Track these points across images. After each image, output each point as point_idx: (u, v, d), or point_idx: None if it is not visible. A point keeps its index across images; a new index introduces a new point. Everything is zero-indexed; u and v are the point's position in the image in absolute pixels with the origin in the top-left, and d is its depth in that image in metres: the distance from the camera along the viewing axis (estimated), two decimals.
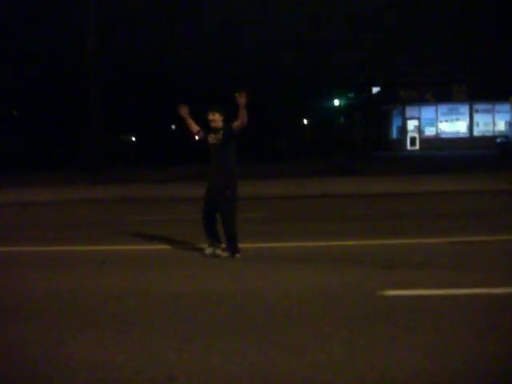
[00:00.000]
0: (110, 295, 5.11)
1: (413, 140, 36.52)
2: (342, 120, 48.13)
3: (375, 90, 43.17)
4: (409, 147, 36.43)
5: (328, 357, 3.46)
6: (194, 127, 6.67)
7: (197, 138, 6.70)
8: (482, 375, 3.17)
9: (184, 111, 6.59)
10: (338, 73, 41.31)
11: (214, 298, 4.89)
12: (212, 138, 6.37)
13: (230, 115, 6.37)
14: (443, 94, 36.18)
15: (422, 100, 36.63)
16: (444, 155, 29.72)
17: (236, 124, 6.16)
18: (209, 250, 6.49)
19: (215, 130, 6.34)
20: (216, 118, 6.31)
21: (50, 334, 4.08)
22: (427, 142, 35.93)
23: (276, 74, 36.08)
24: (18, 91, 34.30)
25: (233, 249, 6.30)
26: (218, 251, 6.43)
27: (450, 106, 36.21)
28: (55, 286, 5.56)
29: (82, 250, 7.56)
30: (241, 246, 6.36)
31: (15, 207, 13.75)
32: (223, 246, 6.41)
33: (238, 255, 6.29)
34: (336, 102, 44.79)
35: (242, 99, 5.95)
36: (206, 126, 6.53)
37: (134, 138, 52.78)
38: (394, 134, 38.86)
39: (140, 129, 46.24)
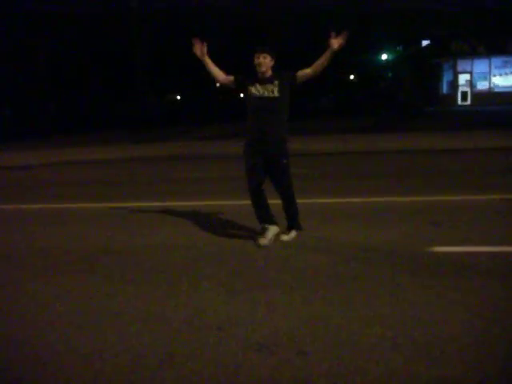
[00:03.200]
0: (160, 248, 5.23)
1: (464, 95, 35.22)
2: (390, 75, 46.77)
3: (425, 43, 41.56)
4: (460, 102, 35.20)
5: (375, 311, 3.46)
6: (218, 73, 5.14)
7: (228, 85, 5.18)
8: None
9: (199, 50, 5.04)
10: (386, 25, 39.89)
11: (262, 251, 4.93)
12: (257, 90, 4.92)
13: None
14: (497, 47, 34.50)
15: (474, 53, 35.07)
16: (497, 110, 28.58)
17: (306, 72, 4.89)
18: (264, 240, 5.10)
19: (262, 79, 4.94)
20: (267, 63, 4.90)
21: (100, 287, 4.23)
22: (479, 97, 34.59)
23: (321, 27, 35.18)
24: (62, 51, 34.72)
25: (297, 227, 5.33)
26: (285, 237, 5.27)
27: (505, 58, 34.55)
28: (106, 242, 5.72)
29: (134, 207, 7.74)
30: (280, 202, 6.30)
31: (61, 166, 14.16)
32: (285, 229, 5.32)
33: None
34: (384, 56, 43.47)
35: (341, 40, 4.68)
36: (244, 74, 5.17)
37: (178, 97, 53.05)
38: (445, 88, 37.56)
39: (184, 87, 46.34)
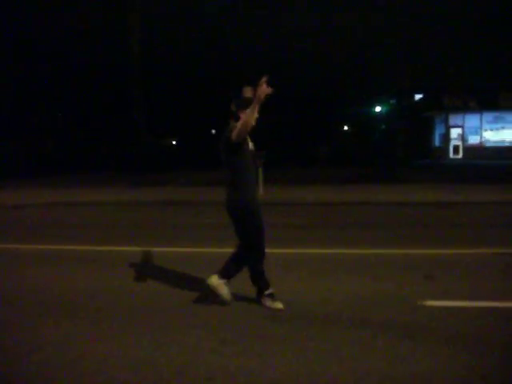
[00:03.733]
0: (151, 294, 5.19)
1: (456, 148, 35.74)
2: (384, 127, 47.57)
3: (418, 96, 42.49)
4: (451, 155, 35.69)
5: (368, 365, 3.43)
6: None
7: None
8: None
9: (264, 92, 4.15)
10: (379, 79, 40.88)
11: (252, 302, 4.90)
12: (248, 143, 4.64)
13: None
14: (489, 102, 35.29)
15: (466, 107, 35.83)
16: (488, 164, 28.98)
17: (236, 130, 4.34)
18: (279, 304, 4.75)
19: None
20: None
21: (86, 331, 4.17)
22: (471, 151, 35.12)
23: (318, 79, 35.96)
24: (62, 92, 35.16)
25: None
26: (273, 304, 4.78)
27: (496, 113, 35.29)
28: (96, 286, 5.68)
29: (124, 250, 7.71)
30: (281, 251, 6.31)
31: (58, 206, 14.13)
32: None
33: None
34: (377, 109, 44.32)
35: (263, 90, 4.09)
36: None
37: (174, 142, 53.51)
38: (437, 141, 38.15)
39: (181, 133, 46.83)
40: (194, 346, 3.80)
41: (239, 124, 4.27)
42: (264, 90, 4.08)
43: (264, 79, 4.09)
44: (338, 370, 3.36)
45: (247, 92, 4.52)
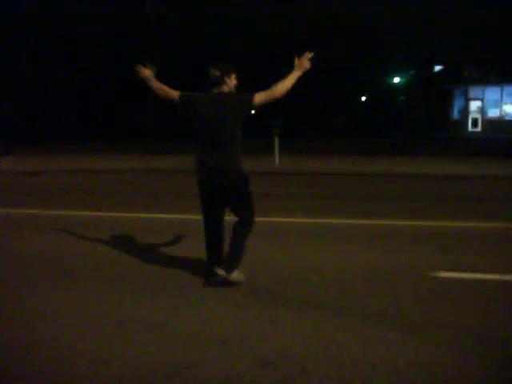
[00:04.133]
0: (169, 260, 5.29)
1: (475, 121, 35.24)
2: (402, 98, 46.94)
3: (437, 68, 41.75)
4: (470, 129, 35.23)
5: (378, 334, 3.49)
6: (167, 91, 4.45)
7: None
8: None
9: (144, 73, 4.45)
10: (399, 49, 40.11)
11: (270, 269, 4.98)
12: None
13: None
14: (509, 75, 34.56)
15: (486, 80, 35.16)
16: (507, 138, 28.57)
17: (265, 95, 4.25)
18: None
19: None
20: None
21: (104, 295, 4.29)
22: (490, 124, 34.59)
23: (335, 49, 35.32)
24: (80, 58, 35.03)
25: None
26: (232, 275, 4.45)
27: None
28: (115, 251, 5.80)
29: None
30: (298, 220, 6.31)
31: (83, 174, 14.30)
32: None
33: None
34: (396, 79, 43.66)
35: (305, 62, 4.25)
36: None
37: None
38: (456, 114, 37.62)
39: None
40: (209, 310, 3.90)
41: (275, 90, 4.19)
42: (307, 62, 4.24)
43: (309, 54, 4.25)
44: (348, 338, 3.43)
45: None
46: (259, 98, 4.20)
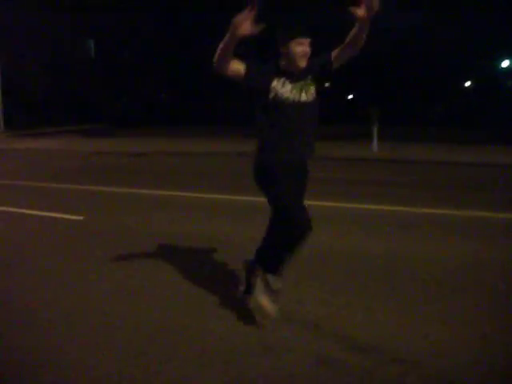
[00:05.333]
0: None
1: None
2: (511, 83, 44.12)
3: None
4: None
5: (475, 330, 3.41)
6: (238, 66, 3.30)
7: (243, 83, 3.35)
8: None
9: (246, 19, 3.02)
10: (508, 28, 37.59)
11: (361, 257, 4.99)
12: (290, 90, 3.34)
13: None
14: None
15: None
16: None
17: (342, 51, 3.36)
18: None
19: (294, 74, 3.36)
20: (308, 51, 3.35)
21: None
22: None
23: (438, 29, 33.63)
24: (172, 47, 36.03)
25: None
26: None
27: None
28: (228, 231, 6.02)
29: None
30: (390, 208, 6.22)
31: (161, 155, 14.90)
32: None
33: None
34: (505, 63, 41.06)
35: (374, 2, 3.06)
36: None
37: None
38: None
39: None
40: (305, 296, 3.97)
41: (346, 43, 3.29)
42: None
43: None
44: (438, 331, 3.38)
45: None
46: (335, 54, 3.36)
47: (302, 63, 3.30)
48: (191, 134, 22.88)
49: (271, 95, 3.32)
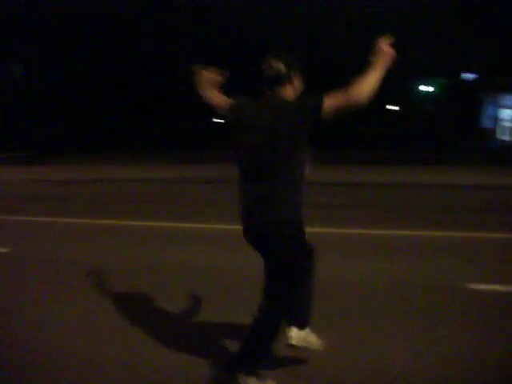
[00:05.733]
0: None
1: (505, 130, 34.69)
2: (431, 107, 46.46)
3: (468, 75, 41.25)
4: (501, 137, 34.68)
5: (409, 346, 3.54)
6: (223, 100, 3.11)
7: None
8: None
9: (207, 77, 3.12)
10: (428, 57, 39.75)
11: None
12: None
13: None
14: None
15: None
16: None
17: (343, 98, 2.70)
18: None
19: None
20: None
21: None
22: None
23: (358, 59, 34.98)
24: (113, 71, 35.43)
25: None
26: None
27: None
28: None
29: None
30: (318, 230, 6.38)
31: (95, 183, 14.60)
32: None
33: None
34: (424, 88, 43.26)
35: (386, 48, 2.73)
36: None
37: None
38: (486, 122, 37.07)
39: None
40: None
41: (351, 92, 2.66)
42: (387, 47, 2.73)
43: (387, 39, 2.74)
44: (377, 351, 3.49)
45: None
46: (329, 102, 2.70)
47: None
48: (116, 160, 22.45)
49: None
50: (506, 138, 34.66)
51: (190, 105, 29.23)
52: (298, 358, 3.29)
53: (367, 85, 2.66)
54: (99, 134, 36.03)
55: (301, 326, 3.15)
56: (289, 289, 2.89)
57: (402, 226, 7.79)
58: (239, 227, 2.92)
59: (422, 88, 42.77)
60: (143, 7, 30.79)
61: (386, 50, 2.71)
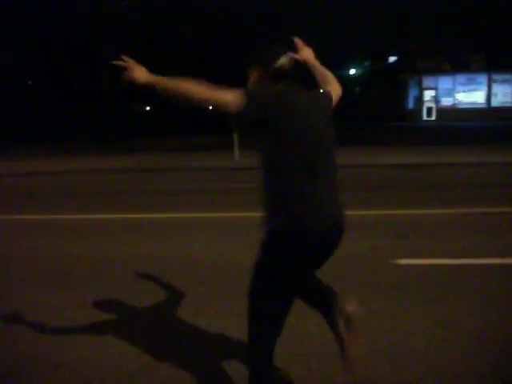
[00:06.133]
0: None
1: (429, 110, 36.06)
2: (358, 89, 47.60)
3: (392, 58, 42.49)
4: (425, 117, 36.01)
5: None
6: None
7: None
8: (493, 341, 3.24)
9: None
10: (354, 41, 40.62)
11: (222, 264, 5.00)
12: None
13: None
14: (461, 64, 35.48)
15: (439, 70, 35.99)
16: (460, 126, 29.35)
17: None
18: None
19: None
20: None
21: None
22: (444, 113, 35.46)
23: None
24: (31, 59, 34.07)
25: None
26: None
27: (468, 75, 35.53)
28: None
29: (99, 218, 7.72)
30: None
31: (23, 176, 13.97)
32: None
33: None
34: (352, 71, 44.24)
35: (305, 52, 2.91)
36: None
37: (148, 108, 52.45)
38: (411, 103, 38.40)
39: (155, 98, 45.80)
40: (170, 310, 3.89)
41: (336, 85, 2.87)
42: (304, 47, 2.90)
43: (299, 41, 2.91)
44: (307, 325, 3.48)
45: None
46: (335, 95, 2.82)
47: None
48: (50, 152, 21.59)
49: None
50: (431, 117, 36.03)
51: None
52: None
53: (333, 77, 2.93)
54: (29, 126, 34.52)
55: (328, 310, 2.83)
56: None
57: None
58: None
59: (350, 71, 43.71)
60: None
61: (305, 50, 2.90)
